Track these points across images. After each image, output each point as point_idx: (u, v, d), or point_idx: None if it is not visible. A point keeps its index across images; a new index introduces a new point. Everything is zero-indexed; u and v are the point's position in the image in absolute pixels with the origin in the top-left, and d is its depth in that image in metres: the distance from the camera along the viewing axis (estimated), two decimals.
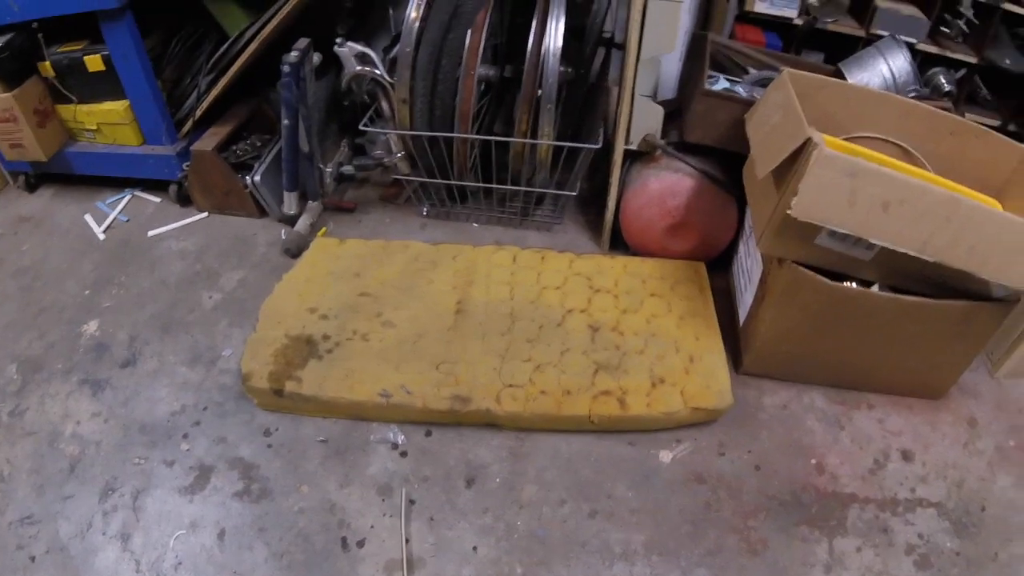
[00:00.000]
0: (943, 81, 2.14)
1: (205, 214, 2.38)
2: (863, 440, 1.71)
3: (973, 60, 2.08)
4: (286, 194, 2.25)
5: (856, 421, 1.75)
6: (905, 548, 1.50)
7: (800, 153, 1.45)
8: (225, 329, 1.97)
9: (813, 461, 1.66)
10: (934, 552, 1.49)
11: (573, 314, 1.87)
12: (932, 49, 2.20)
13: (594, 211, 2.32)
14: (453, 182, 2.22)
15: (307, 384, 1.69)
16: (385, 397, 1.65)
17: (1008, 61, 1.94)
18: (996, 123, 2.23)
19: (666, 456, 1.68)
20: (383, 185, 2.51)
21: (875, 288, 1.60)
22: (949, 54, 2.13)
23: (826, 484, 1.61)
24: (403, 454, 1.68)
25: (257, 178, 2.25)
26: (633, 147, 2.03)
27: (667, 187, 1.97)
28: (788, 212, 1.41)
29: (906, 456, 1.68)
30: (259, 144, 2.42)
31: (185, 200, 2.40)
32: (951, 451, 1.70)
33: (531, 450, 1.69)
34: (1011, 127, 2.05)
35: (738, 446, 1.69)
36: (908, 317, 1.59)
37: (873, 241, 1.43)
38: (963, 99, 2.21)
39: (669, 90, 2.09)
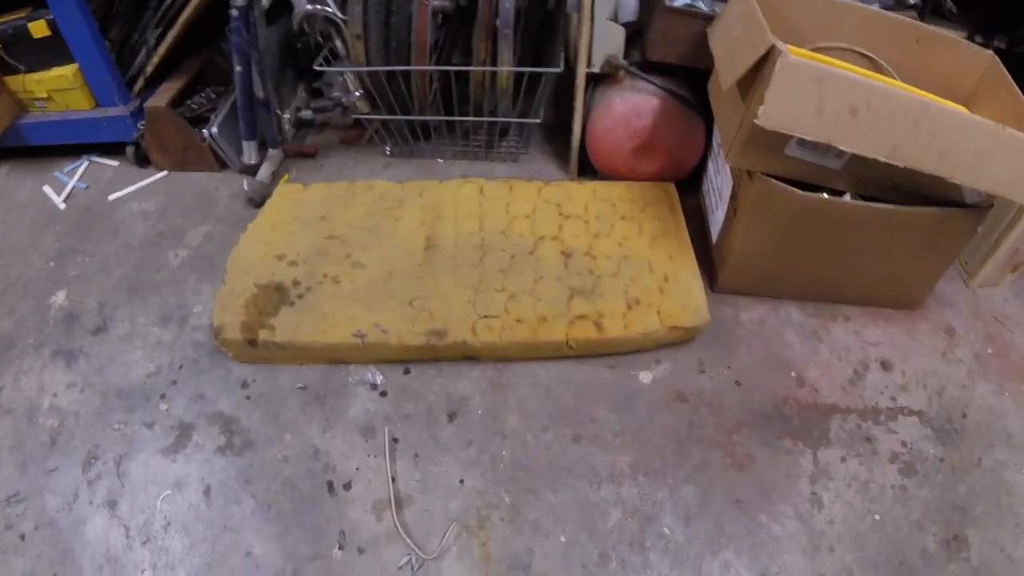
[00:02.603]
0: None
1: (165, 173, 2.33)
2: (842, 351, 1.72)
3: None
4: (245, 144, 2.20)
5: (834, 333, 1.76)
6: (889, 456, 1.52)
7: (764, 62, 1.43)
8: (194, 285, 1.94)
9: (793, 374, 1.67)
10: (918, 459, 1.51)
11: (544, 242, 1.85)
12: None
13: (560, 139, 2.29)
14: (414, 118, 2.17)
15: (280, 331, 1.66)
16: (360, 337, 1.63)
17: None
18: (961, 35, 2.19)
19: (646, 377, 1.68)
20: (343, 128, 2.45)
21: (847, 197, 1.59)
22: None
23: (807, 396, 1.62)
24: (383, 394, 1.67)
25: (214, 130, 2.20)
26: (596, 70, 1.99)
27: (632, 108, 1.95)
28: (755, 122, 1.39)
29: (885, 366, 1.69)
30: (214, 96, 2.36)
31: (143, 160, 2.35)
32: (930, 360, 1.71)
33: (511, 380, 1.68)
34: (976, 39, 2.02)
35: (717, 363, 1.69)
36: (880, 226, 1.59)
37: (842, 148, 1.41)
38: (928, 11, 2.16)
39: (629, 12, 2.04)
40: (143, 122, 2.23)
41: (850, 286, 1.78)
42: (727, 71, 1.54)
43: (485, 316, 1.67)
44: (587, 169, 2.16)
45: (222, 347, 1.71)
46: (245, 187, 2.18)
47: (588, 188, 2.02)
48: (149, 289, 1.96)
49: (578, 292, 1.72)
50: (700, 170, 2.07)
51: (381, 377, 1.69)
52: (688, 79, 1.97)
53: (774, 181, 1.55)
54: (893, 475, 1.48)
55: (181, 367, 1.75)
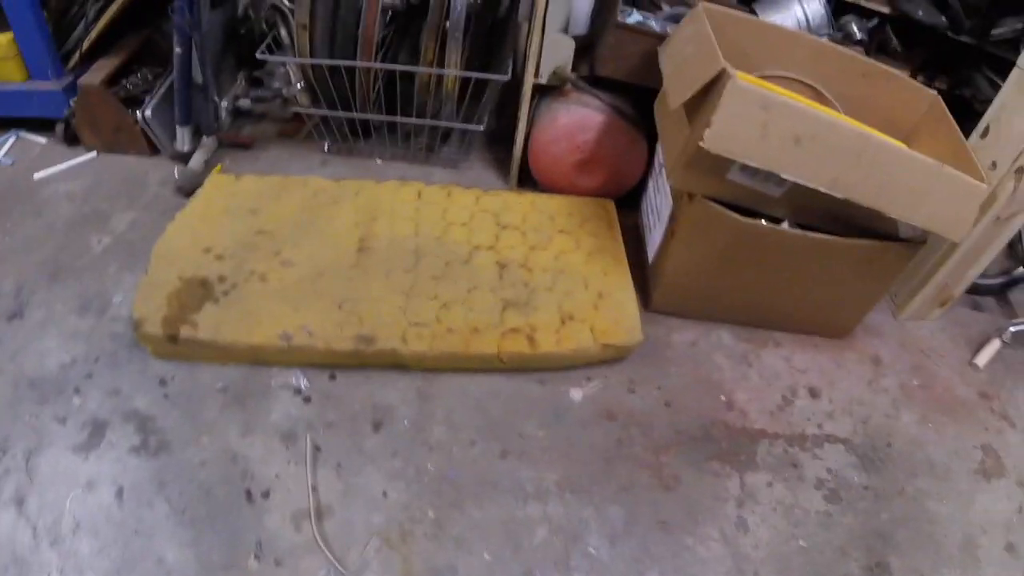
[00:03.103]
0: (855, 29, 2.12)
1: (94, 154, 2.24)
2: (771, 377, 1.73)
3: (886, 10, 2.07)
4: (179, 129, 2.13)
5: (764, 358, 1.77)
6: (815, 482, 1.53)
7: (713, 85, 1.42)
8: (116, 274, 1.86)
9: (722, 397, 1.67)
10: (843, 486, 1.53)
11: (480, 251, 1.83)
12: None
13: (502, 148, 2.27)
14: (356, 115, 2.12)
15: (203, 328, 1.61)
16: (286, 339, 1.59)
17: (921, 13, 1.94)
18: (905, 74, 2.22)
19: (576, 394, 1.67)
20: (282, 120, 2.39)
21: (785, 225, 1.61)
22: (863, 3, 2.11)
23: (736, 420, 1.63)
24: (307, 399, 1.63)
25: (148, 112, 2.11)
26: (543, 81, 1.97)
27: (576, 121, 1.94)
28: (700, 144, 1.39)
29: (813, 393, 1.70)
30: (151, 77, 2.27)
31: (73, 139, 2.25)
32: (856, 388, 1.73)
33: (439, 391, 1.65)
34: (919, 78, 2.06)
35: (648, 383, 1.69)
36: (816, 255, 1.60)
37: (784, 176, 1.42)
38: (874, 48, 2.20)
39: (580, 25, 2.02)
40: (75, 99, 2.14)
41: (782, 313, 1.79)
42: (676, 91, 1.53)
43: (416, 323, 1.64)
44: (527, 180, 2.14)
45: (141, 341, 1.64)
46: (176, 174, 2.10)
47: (527, 199, 2.00)
48: (69, 275, 1.88)
49: (512, 304, 1.70)
50: (639, 189, 2.07)
51: (306, 382, 1.65)
52: (633, 97, 1.96)
53: (714, 204, 1.56)
54: (818, 501, 1.49)
55: (97, 359, 1.68)
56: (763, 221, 1.57)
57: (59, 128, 2.27)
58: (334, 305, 1.67)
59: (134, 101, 2.19)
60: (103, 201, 2.08)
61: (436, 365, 1.65)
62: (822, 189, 1.41)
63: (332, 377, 1.67)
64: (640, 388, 1.67)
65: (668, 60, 1.69)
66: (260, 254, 1.79)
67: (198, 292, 1.69)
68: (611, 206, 1.98)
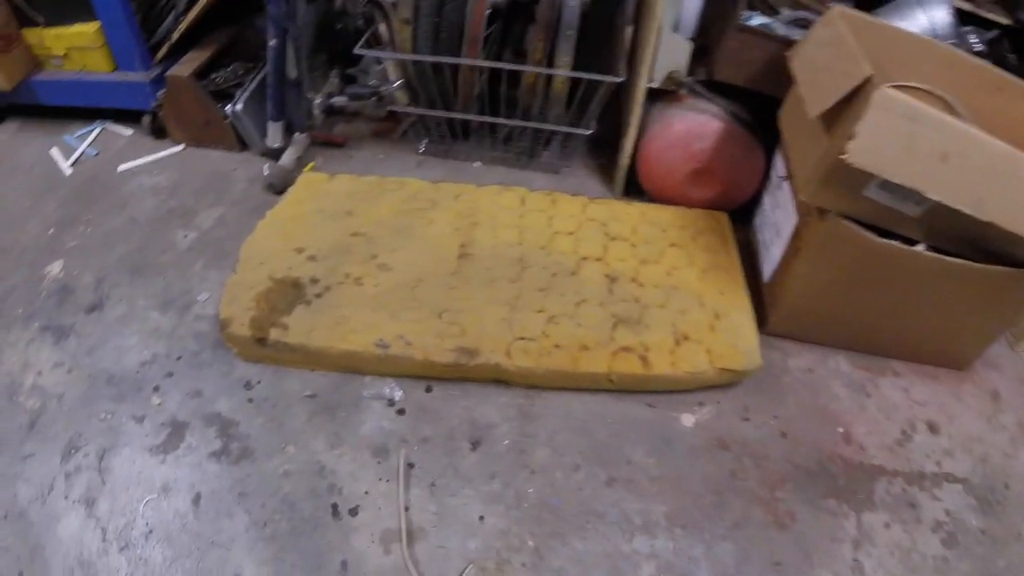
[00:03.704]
0: (974, 41, 1.96)
1: (181, 147, 2.22)
2: (889, 409, 1.59)
3: (1006, 21, 1.91)
4: (270, 125, 2.06)
5: (882, 388, 1.63)
6: (932, 525, 1.39)
7: (857, 94, 1.30)
8: (201, 271, 1.80)
9: (840, 430, 1.54)
10: (960, 530, 1.39)
11: (588, 262, 1.71)
12: (965, 6, 2.02)
13: (604, 154, 2.17)
14: (456, 115, 2.03)
15: (293, 332, 1.52)
16: (382, 348, 1.48)
17: None
18: None
19: (688, 420, 1.54)
20: (376, 119, 2.32)
21: (920, 247, 1.45)
22: (982, 13, 1.95)
23: (853, 454, 1.49)
24: (400, 412, 1.52)
25: (239, 107, 2.07)
26: (655, 85, 1.84)
27: (692, 129, 1.81)
28: (842, 158, 1.26)
29: (932, 428, 1.56)
30: (241, 72, 2.23)
31: (159, 132, 2.24)
32: (975, 424, 1.58)
33: (542, 410, 1.53)
34: None
35: (763, 411, 1.55)
36: (949, 280, 1.46)
37: (928, 195, 1.27)
38: (992, 62, 2.04)
39: (688, 28, 1.92)
40: (163, 91, 2.11)
41: (902, 340, 1.65)
42: (815, 99, 1.40)
43: (521, 337, 1.52)
44: (633, 189, 2.02)
45: (227, 342, 1.56)
46: (265, 171, 2.04)
47: (637, 210, 1.88)
48: (152, 270, 1.82)
49: (623, 321, 1.58)
50: (752, 200, 1.93)
51: (400, 393, 1.54)
52: (750, 104, 1.84)
53: (847, 222, 1.42)
54: (935, 545, 1.35)
55: (179, 358, 1.61)
56: (896, 242, 1.44)
57: (146, 120, 2.25)
58: (433, 314, 1.56)
59: (223, 95, 2.15)
60: (189, 196, 2.05)
61: (541, 382, 1.53)
62: (966, 211, 1.27)
63: (428, 390, 1.56)
64: (755, 416, 1.54)
65: (802, 66, 1.55)
66: (355, 257, 1.70)
67: (289, 294, 1.60)
68: (725, 219, 1.84)
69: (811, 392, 1.61)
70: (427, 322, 1.55)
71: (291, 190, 1.91)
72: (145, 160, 2.17)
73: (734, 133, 1.81)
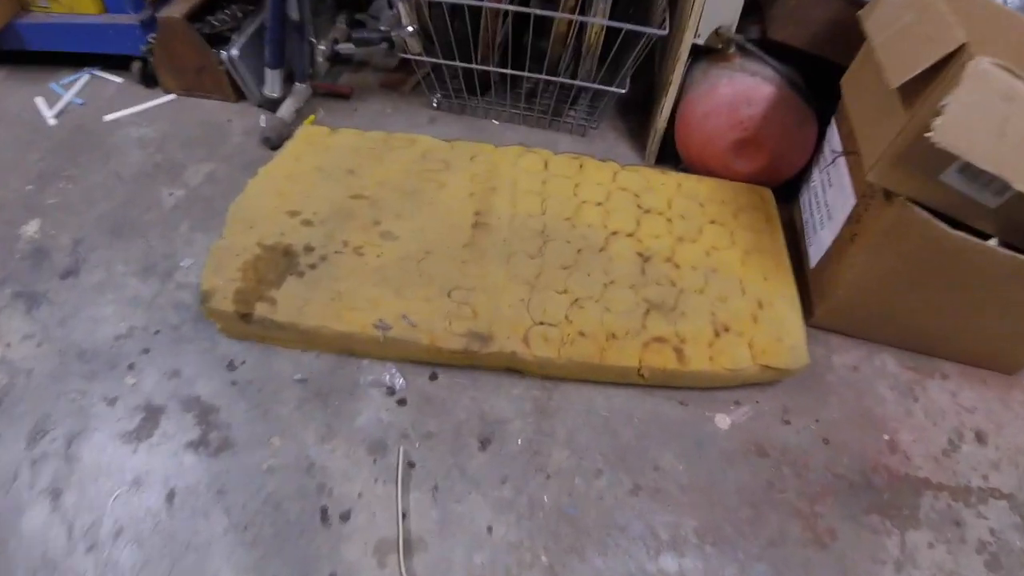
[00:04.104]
0: None
1: (172, 96, 2.06)
2: (937, 415, 1.46)
3: None
4: (268, 72, 1.89)
5: (930, 392, 1.50)
6: (976, 545, 1.27)
7: (946, 64, 1.13)
8: (186, 234, 1.65)
9: (886, 436, 1.41)
10: (1004, 551, 1.27)
11: (618, 238, 1.53)
12: None
13: (634, 117, 2.02)
14: (476, 66, 1.84)
15: (283, 308, 1.35)
16: (383, 329, 1.32)
17: None
18: None
19: (723, 421, 1.39)
20: (385, 69, 2.15)
21: (993, 242, 1.31)
22: None
23: (899, 465, 1.36)
24: (401, 402, 1.36)
25: (235, 52, 1.90)
26: (700, 42, 1.66)
27: (741, 93, 1.62)
28: (927, 136, 1.09)
29: (980, 437, 1.44)
30: (240, 15, 2.04)
31: (150, 80, 2.08)
32: (1022, 435, 1.46)
33: (561, 404, 1.37)
34: None
35: (805, 413, 1.41)
36: (1020, 281, 1.32)
37: (1016, 186, 1.11)
38: None
39: None
40: (154, 35, 1.94)
41: (956, 339, 1.50)
42: (896, 67, 1.21)
43: (541, 322, 1.35)
44: (667, 157, 1.85)
45: (208, 317, 1.40)
46: (262, 123, 1.89)
47: (673, 180, 1.69)
48: (134, 231, 1.67)
49: (656, 307, 1.40)
50: (797, 178, 1.76)
51: (402, 380, 1.38)
52: (801, 68, 1.67)
53: (918, 208, 1.26)
54: (979, 568, 1.23)
55: (157, 332, 1.45)
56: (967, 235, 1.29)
57: (135, 67, 2.08)
58: (442, 292, 1.39)
59: (220, 40, 1.97)
60: (179, 149, 1.89)
61: (561, 374, 1.36)
62: None
63: (433, 377, 1.39)
64: (796, 419, 1.40)
65: (878, 28, 1.35)
66: (356, 223, 1.52)
67: (280, 263, 1.43)
68: (769, 196, 1.66)
69: (856, 393, 1.47)
70: (435, 301, 1.37)
71: (288, 145, 1.73)
72: (133, 110, 2.02)
73: (787, 100, 1.62)
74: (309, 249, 1.46)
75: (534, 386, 1.39)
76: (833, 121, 1.52)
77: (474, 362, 1.36)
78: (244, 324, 1.36)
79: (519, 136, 1.96)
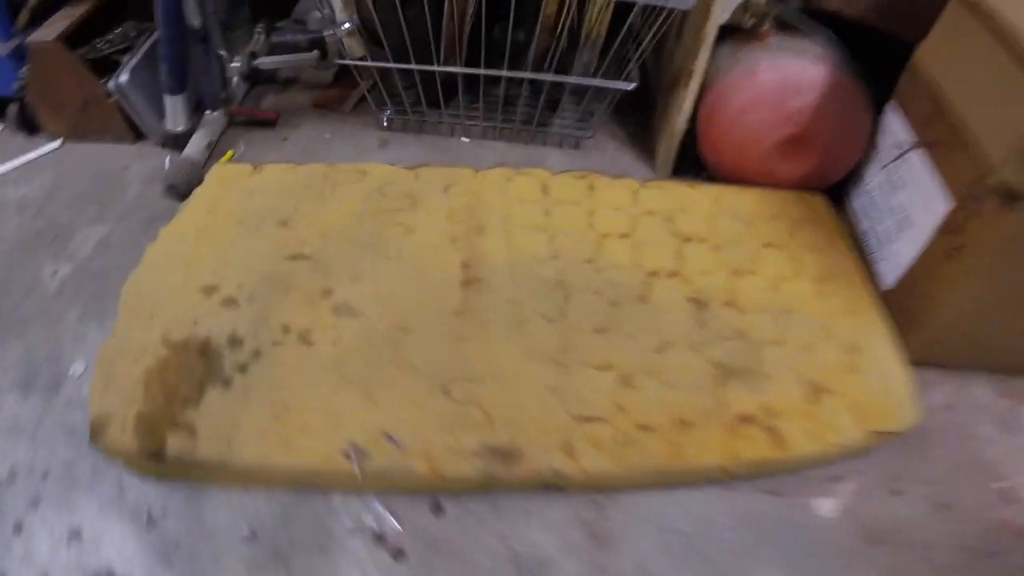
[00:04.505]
0: None
1: (58, 143, 1.73)
2: None
3: None
4: (168, 100, 1.55)
5: None
6: None
7: None
8: (75, 327, 1.27)
9: (997, 486, 1.15)
10: None
11: (660, 280, 1.19)
12: None
13: (633, 120, 1.71)
14: (439, 68, 1.48)
15: (206, 438, 0.96)
16: (355, 456, 0.94)
17: None
18: None
19: (825, 506, 1.07)
20: (319, 86, 1.81)
21: None
22: None
23: (1018, 516, 1.11)
24: (398, 554, 0.96)
25: (124, 78, 1.53)
26: (724, 19, 1.36)
27: (789, 79, 1.32)
28: None
29: None
30: (134, 34, 1.69)
31: (30, 125, 1.73)
32: None
33: (623, 524, 1.00)
34: None
35: (913, 476, 1.13)
36: None
37: None
38: None
39: None
40: (25, 68, 1.61)
41: None
42: None
43: (584, 418, 0.98)
44: (686, 166, 1.53)
45: (106, 455, 1.02)
46: (167, 165, 1.56)
47: (707, 195, 1.37)
48: (8, 327, 1.30)
49: (731, 372, 1.06)
50: (844, 180, 1.49)
51: (393, 522, 0.98)
52: (851, 46, 1.41)
53: None
54: None
55: (47, 475, 1.07)
56: None
57: (11, 110, 1.73)
58: (435, 388, 1.01)
59: (109, 66, 1.62)
60: (64, 210, 1.54)
61: (620, 484, 1.00)
62: None
63: (438, 510, 1.00)
64: (905, 486, 1.10)
65: None
66: (298, 296, 1.14)
67: (196, 367, 1.04)
68: (822, 204, 1.38)
69: (958, 438, 1.21)
70: (427, 403, 0.99)
71: (198, 192, 1.36)
72: (9, 166, 1.67)
73: (842, 84, 1.33)
74: (235, 342, 1.07)
75: (580, 503, 1.01)
76: (893, 107, 1.28)
77: (496, 485, 0.98)
78: (156, 464, 0.97)
79: (497, 155, 1.63)
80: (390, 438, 0.95)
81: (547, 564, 0.95)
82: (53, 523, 1.03)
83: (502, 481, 0.94)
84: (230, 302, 1.13)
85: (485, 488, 0.97)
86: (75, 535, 1.01)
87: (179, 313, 1.11)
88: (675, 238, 1.27)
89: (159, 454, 0.95)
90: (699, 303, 1.16)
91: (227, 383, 1.02)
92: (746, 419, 1.01)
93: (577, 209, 1.30)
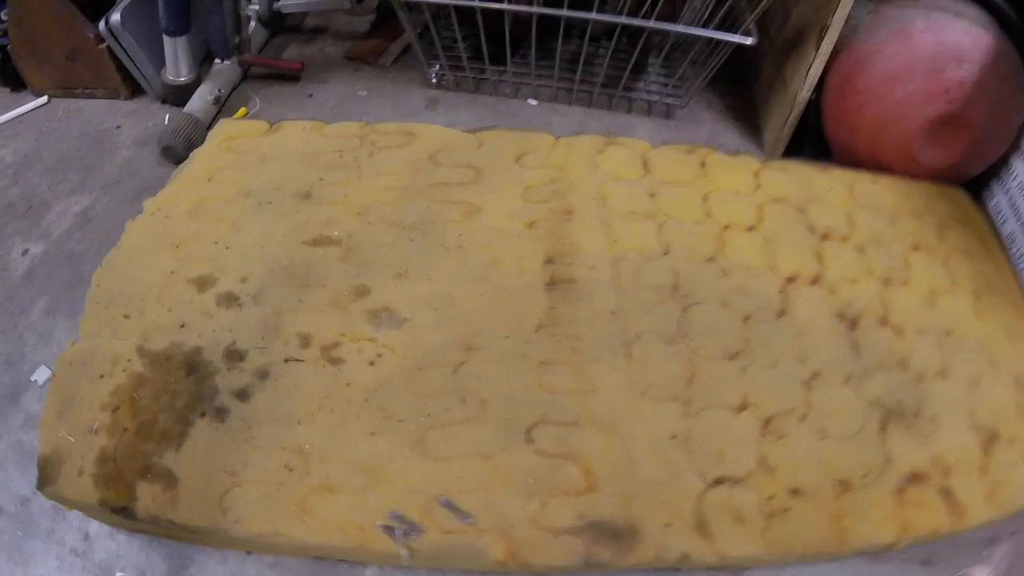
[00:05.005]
0: None
1: (43, 100, 1.58)
2: None
3: None
4: (168, 43, 1.37)
5: None
6: None
7: None
8: (42, 321, 1.11)
9: None
10: None
11: (799, 288, 0.97)
12: None
13: (731, 89, 1.50)
14: (507, 5, 1.24)
15: (190, 492, 0.74)
16: (398, 533, 0.69)
17: None
18: None
19: None
20: (353, 37, 1.62)
21: None
22: None
23: None
24: None
25: (116, 19, 1.36)
26: None
27: (948, 45, 1.14)
28: None
29: None
30: None
31: (13, 79, 1.59)
32: None
33: None
34: None
35: None
36: None
37: None
38: None
39: None
40: (5, 11, 1.50)
41: None
42: None
43: (718, 481, 0.76)
44: (799, 144, 1.33)
45: (62, 504, 0.82)
46: (167, 123, 1.40)
47: (840, 181, 1.16)
48: None
49: (894, 414, 0.87)
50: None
51: None
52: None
53: None
54: None
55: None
56: None
57: None
58: (511, 432, 0.77)
59: (103, 8, 1.45)
60: (43, 177, 1.40)
61: (760, 565, 0.80)
62: None
63: None
64: None
65: None
66: (323, 294, 0.90)
67: (180, 389, 0.81)
68: (967, 200, 1.22)
69: None
70: (500, 455, 0.75)
71: (195, 154, 1.14)
72: None
73: (1005, 56, 1.16)
74: (235, 356, 0.83)
75: None
76: None
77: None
78: (124, 520, 0.75)
79: (573, 123, 1.40)
80: (450, 506, 0.69)
81: None
82: None
83: (609, 568, 0.70)
84: (230, 300, 0.90)
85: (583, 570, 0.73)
86: None
87: (162, 312, 0.88)
88: (811, 234, 1.05)
89: (126, 511, 0.72)
90: (848, 321, 0.95)
91: (221, 414, 0.78)
92: (917, 478, 0.83)
93: (689, 192, 1.07)
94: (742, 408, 0.83)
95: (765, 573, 0.85)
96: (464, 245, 0.97)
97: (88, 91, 1.57)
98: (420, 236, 0.98)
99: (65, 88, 1.57)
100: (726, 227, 1.03)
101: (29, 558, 0.88)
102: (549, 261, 0.95)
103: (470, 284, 0.92)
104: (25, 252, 1.24)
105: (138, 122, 1.49)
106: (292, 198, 1.04)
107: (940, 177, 1.26)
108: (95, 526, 0.87)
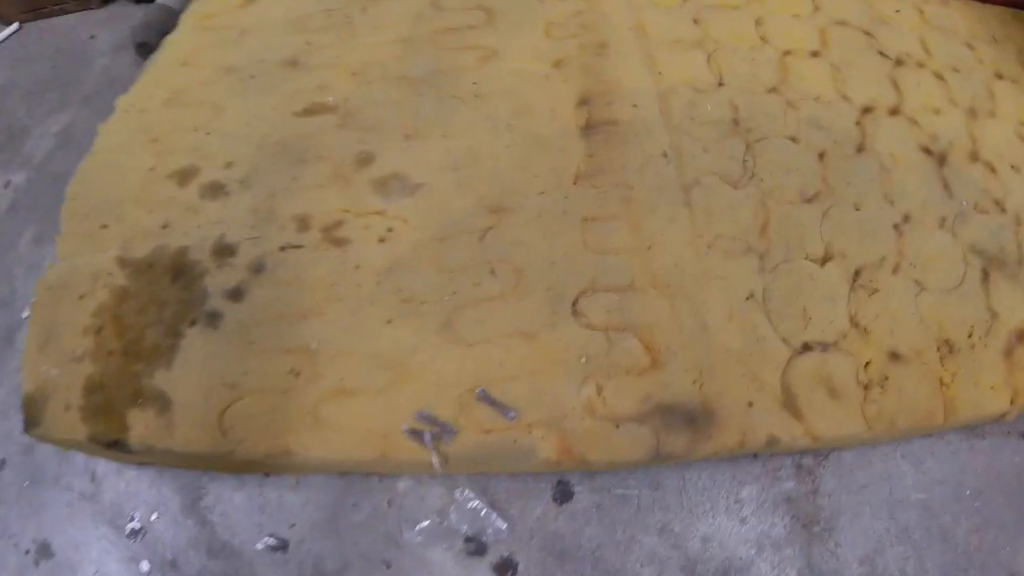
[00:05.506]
0: None
1: (16, 26, 1.49)
2: None
3: None
4: None
5: None
6: None
7: None
8: (29, 251, 1.05)
9: None
10: None
11: (878, 118, 0.86)
12: None
13: None
14: None
15: (186, 413, 0.65)
16: (428, 437, 0.60)
17: None
18: None
19: None
20: None
21: None
22: None
23: None
24: (504, 567, 0.70)
25: None
26: None
27: None
28: None
29: None
30: None
31: None
32: None
33: (841, 499, 0.76)
34: None
35: None
36: None
37: None
38: None
39: None
40: None
41: None
42: None
43: (808, 345, 0.66)
44: None
45: (49, 443, 0.74)
46: (142, 20, 1.30)
47: (908, 2, 1.03)
48: None
49: (995, 263, 0.77)
50: None
51: (498, 520, 0.69)
52: None
53: None
54: None
55: (3, 463, 0.84)
56: None
57: None
58: (555, 304, 0.67)
59: None
60: (21, 104, 1.32)
61: (857, 444, 0.71)
62: None
63: (564, 497, 0.71)
64: None
65: None
66: (320, 168, 0.80)
67: (166, 297, 0.71)
68: None
69: None
70: (544, 332, 0.65)
71: (167, 41, 1.02)
72: None
73: None
74: (224, 252, 0.73)
75: (780, 469, 0.72)
76: None
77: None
78: (118, 453, 0.67)
79: None
80: (488, 399, 0.58)
81: (740, 567, 0.70)
82: (13, 531, 0.81)
83: (683, 459, 0.62)
84: (215, 190, 0.79)
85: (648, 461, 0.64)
86: (42, 549, 0.80)
87: (142, 215, 0.77)
88: (882, 58, 0.92)
89: (119, 443, 0.64)
90: (937, 156, 0.84)
91: (213, 320, 0.69)
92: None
93: (739, 16, 0.95)
94: (826, 259, 0.72)
95: (849, 464, 0.75)
96: (482, 94, 0.85)
97: (59, 6, 1.47)
98: (429, 89, 0.86)
99: (35, 11, 1.48)
100: (787, 53, 0.91)
101: (40, 509, 0.82)
102: (583, 102, 0.83)
103: (493, 137, 0.81)
104: (7, 184, 1.16)
105: (113, 28, 1.41)
106: (278, 68, 0.92)
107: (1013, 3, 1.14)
108: (101, 465, 0.81)
